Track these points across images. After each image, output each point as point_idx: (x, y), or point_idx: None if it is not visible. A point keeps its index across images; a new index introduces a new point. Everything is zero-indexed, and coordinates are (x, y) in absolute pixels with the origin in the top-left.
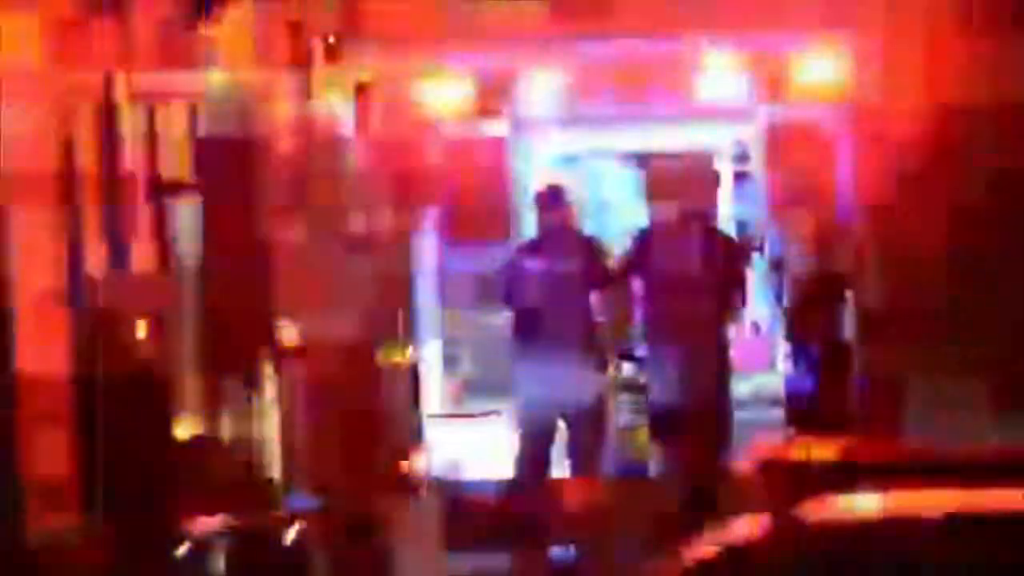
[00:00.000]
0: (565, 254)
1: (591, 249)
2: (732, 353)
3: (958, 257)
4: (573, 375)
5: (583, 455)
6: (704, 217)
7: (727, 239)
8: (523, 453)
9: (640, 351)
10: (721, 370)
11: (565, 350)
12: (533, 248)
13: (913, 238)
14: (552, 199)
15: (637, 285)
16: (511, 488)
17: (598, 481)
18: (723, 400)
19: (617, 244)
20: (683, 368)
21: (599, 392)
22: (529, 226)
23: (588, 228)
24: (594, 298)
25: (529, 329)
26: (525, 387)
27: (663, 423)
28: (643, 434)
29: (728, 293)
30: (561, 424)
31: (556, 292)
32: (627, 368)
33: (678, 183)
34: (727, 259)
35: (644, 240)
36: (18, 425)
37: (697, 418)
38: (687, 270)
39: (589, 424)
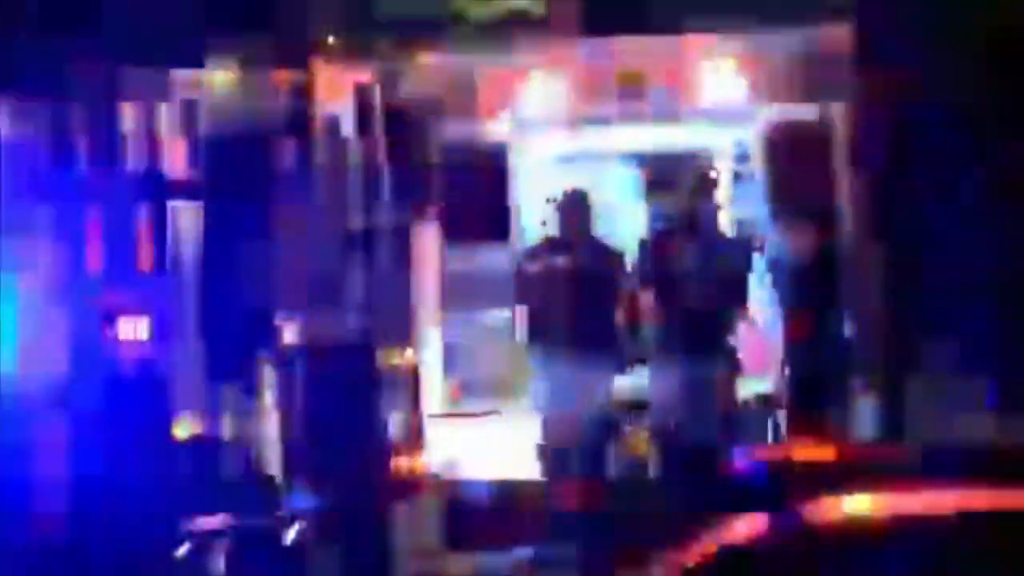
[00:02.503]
0: (586, 258)
1: (610, 254)
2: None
3: (959, 256)
4: (592, 378)
5: (592, 456)
6: (706, 218)
7: (729, 240)
8: (546, 454)
9: (649, 354)
10: (729, 372)
11: (585, 353)
12: (551, 250)
13: (913, 238)
14: (573, 203)
15: (647, 289)
16: (518, 488)
17: (603, 482)
18: (730, 403)
19: (621, 247)
20: (690, 371)
21: (611, 395)
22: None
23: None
24: (612, 303)
25: (547, 332)
26: (545, 389)
27: (666, 425)
28: (646, 435)
29: (736, 295)
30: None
31: (576, 296)
32: (635, 371)
33: (678, 184)
34: (732, 260)
35: (650, 243)
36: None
37: (703, 420)
38: (692, 273)
39: (600, 426)
